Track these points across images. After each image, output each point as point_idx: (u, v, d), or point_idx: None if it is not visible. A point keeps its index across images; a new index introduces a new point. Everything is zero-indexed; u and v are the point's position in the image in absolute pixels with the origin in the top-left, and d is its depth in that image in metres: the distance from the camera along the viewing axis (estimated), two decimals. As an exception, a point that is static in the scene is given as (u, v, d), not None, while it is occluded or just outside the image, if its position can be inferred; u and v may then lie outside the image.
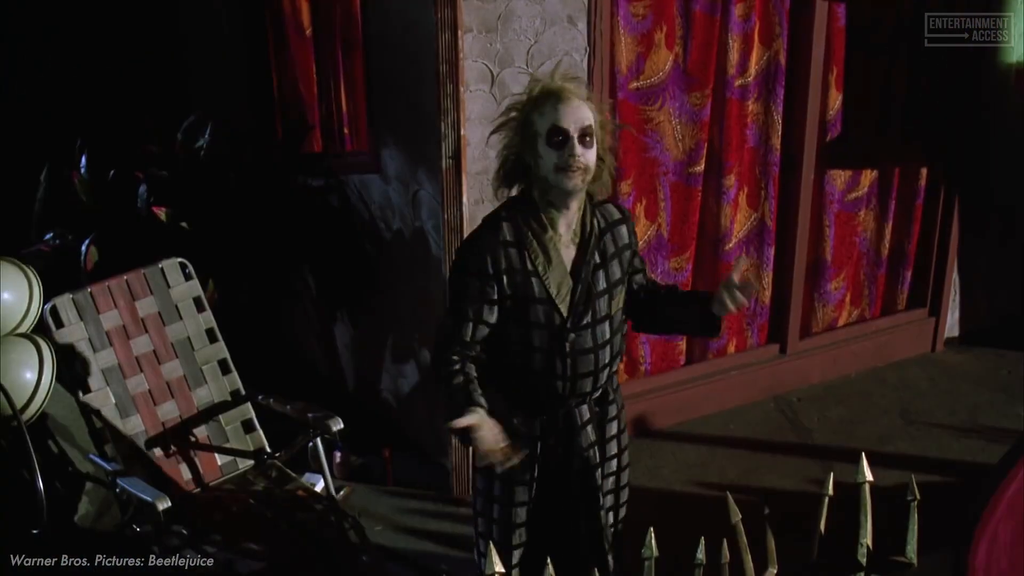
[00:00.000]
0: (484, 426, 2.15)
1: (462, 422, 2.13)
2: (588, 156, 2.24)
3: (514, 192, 2.36)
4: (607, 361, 2.41)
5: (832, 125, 4.50)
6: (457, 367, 2.28)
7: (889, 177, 4.81)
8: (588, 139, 2.23)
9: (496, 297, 2.30)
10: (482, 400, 2.22)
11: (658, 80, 3.95)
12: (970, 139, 4.83)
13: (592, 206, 2.38)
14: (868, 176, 4.74)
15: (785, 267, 4.59)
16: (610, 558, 2.57)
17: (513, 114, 2.30)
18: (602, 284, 2.36)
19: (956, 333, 5.21)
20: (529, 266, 2.30)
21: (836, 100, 4.46)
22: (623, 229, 2.43)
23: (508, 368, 2.40)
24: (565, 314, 2.32)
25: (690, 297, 2.52)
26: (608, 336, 2.39)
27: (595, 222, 2.36)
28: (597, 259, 2.36)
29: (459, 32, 3.31)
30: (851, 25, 4.35)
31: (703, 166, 4.19)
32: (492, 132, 2.37)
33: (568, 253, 2.34)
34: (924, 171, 4.86)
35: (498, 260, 2.28)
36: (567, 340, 2.33)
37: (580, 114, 2.23)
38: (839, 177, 4.64)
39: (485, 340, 2.33)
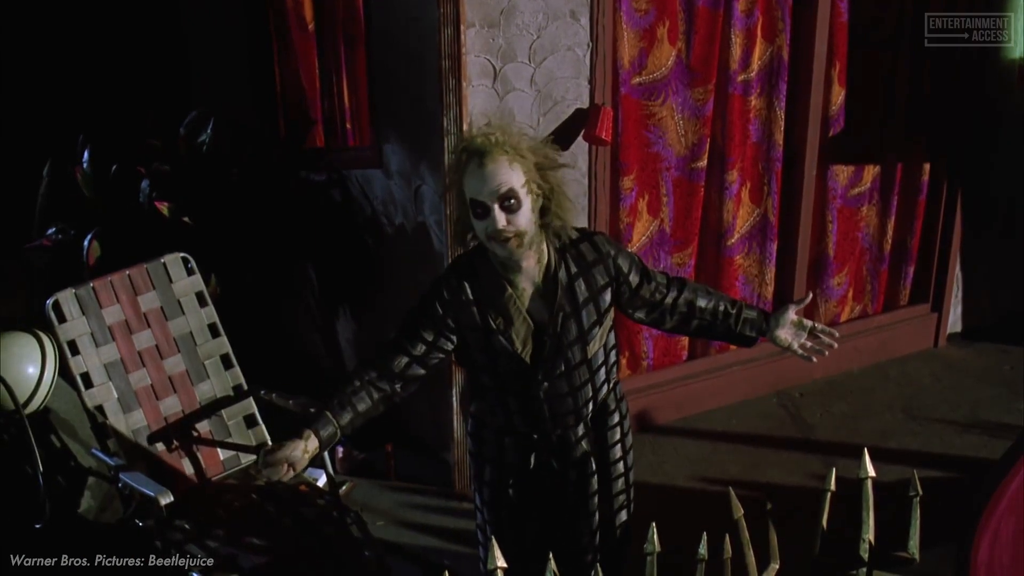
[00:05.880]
0: (296, 449, 2.20)
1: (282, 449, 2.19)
2: (517, 221, 2.14)
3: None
4: (589, 397, 2.39)
5: (835, 120, 4.49)
6: (357, 384, 2.31)
7: (892, 173, 4.80)
8: (512, 202, 2.12)
9: (448, 347, 2.31)
10: (326, 427, 2.24)
11: (660, 75, 3.94)
12: (973, 134, 4.82)
13: (561, 249, 2.28)
14: (871, 172, 4.73)
15: (787, 263, 4.58)
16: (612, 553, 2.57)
17: (450, 177, 2.24)
18: (573, 333, 2.29)
19: (959, 329, 5.20)
20: (491, 324, 2.26)
21: (839, 95, 4.45)
22: (600, 269, 2.31)
23: (490, 408, 2.41)
24: (532, 367, 2.29)
25: (737, 320, 2.44)
26: (587, 376, 2.35)
27: (562, 273, 2.27)
28: (567, 308, 2.28)
29: (461, 27, 3.31)
30: (854, 20, 4.34)
31: (705, 161, 4.19)
32: (444, 192, 2.34)
33: (535, 306, 2.27)
34: (927, 167, 4.85)
35: (458, 318, 2.27)
36: (540, 389, 2.31)
37: (499, 179, 2.11)
38: (842, 173, 4.63)
39: (411, 377, 2.34)
